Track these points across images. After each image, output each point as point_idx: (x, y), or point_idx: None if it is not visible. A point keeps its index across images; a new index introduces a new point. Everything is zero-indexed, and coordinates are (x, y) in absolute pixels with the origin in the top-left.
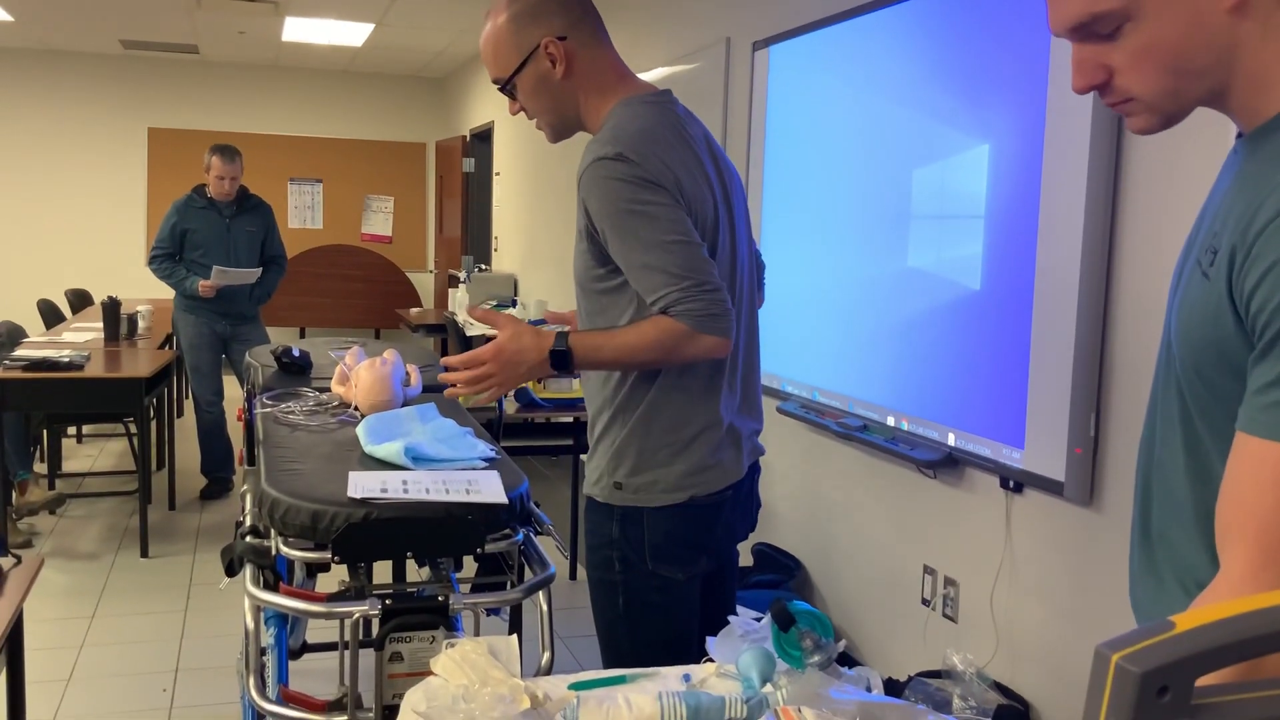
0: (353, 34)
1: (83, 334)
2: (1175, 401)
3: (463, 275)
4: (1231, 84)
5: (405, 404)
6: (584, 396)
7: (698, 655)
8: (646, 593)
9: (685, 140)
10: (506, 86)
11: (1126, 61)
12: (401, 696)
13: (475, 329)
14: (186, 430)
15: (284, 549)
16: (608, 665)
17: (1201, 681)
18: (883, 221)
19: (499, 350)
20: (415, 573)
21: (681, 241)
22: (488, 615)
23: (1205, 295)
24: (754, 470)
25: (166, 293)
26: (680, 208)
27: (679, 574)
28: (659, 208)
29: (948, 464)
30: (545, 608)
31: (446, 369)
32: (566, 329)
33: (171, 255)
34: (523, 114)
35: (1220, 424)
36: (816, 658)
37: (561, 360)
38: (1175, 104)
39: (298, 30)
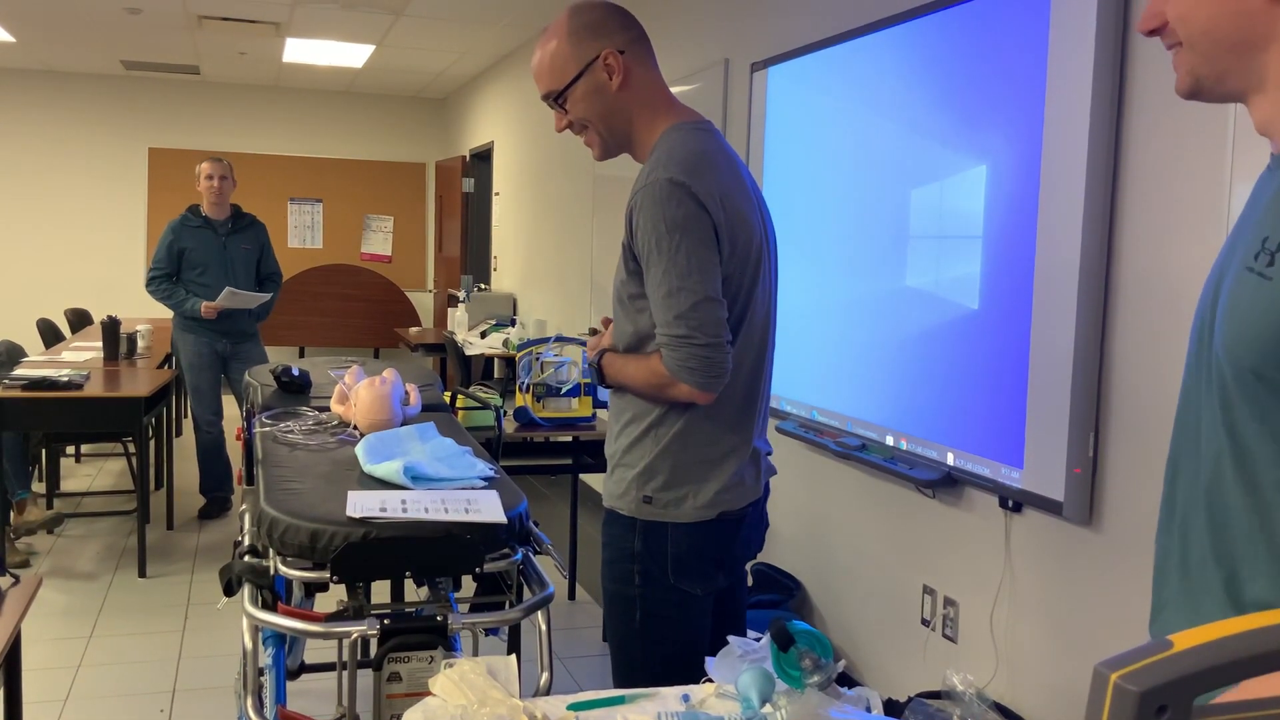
0: (353, 55)
1: (82, 353)
2: (1219, 415)
3: (462, 295)
4: (1267, 77)
5: (404, 423)
6: (609, 409)
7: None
8: (664, 607)
9: (735, 169)
10: (560, 96)
11: (1175, 11)
12: (400, 717)
13: (474, 348)
14: (185, 450)
15: (282, 568)
16: (619, 680)
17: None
18: (881, 241)
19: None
20: (414, 592)
21: (694, 289)
22: (486, 635)
23: (1269, 294)
24: (766, 490)
25: (166, 312)
26: (714, 247)
27: (698, 589)
28: (693, 245)
29: (947, 484)
30: (544, 628)
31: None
32: (607, 350)
33: (169, 276)
34: (552, 135)
35: None
36: (816, 678)
37: (596, 373)
38: (1206, 65)
39: (298, 51)
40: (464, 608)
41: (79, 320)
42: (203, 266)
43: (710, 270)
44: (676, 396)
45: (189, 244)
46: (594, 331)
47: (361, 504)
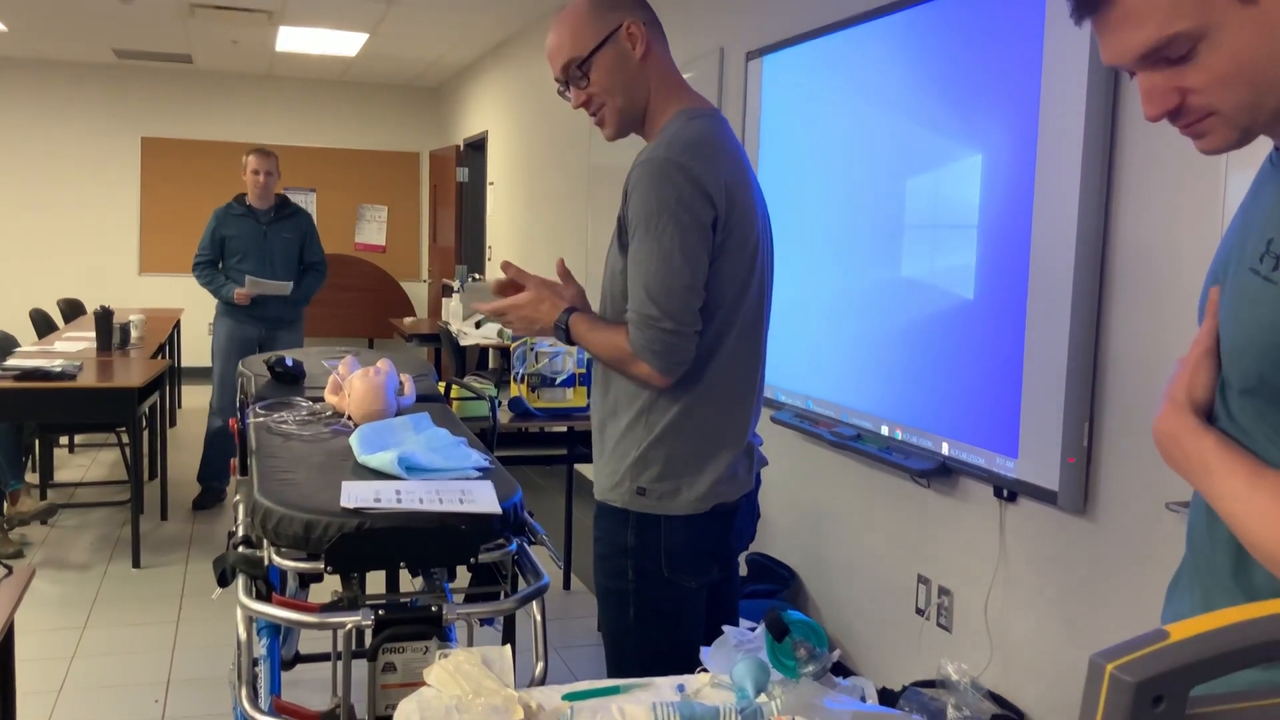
0: (346, 44)
1: (75, 343)
2: (1219, 408)
3: (456, 284)
4: None
5: (399, 414)
6: (592, 397)
7: None
8: (659, 602)
9: (740, 159)
10: (584, 64)
11: (1205, 80)
12: (394, 707)
13: (468, 339)
14: (179, 440)
15: (277, 559)
16: (613, 675)
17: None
18: (876, 231)
19: (518, 306)
20: (408, 583)
21: (672, 273)
22: (481, 625)
23: (1274, 299)
24: (758, 481)
25: (159, 302)
26: (705, 234)
27: (693, 582)
28: (682, 229)
29: (941, 473)
30: (539, 618)
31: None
32: (573, 308)
33: (213, 262)
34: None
35: None
36: (811, 667)
37: (561, 333)
38: (1253, 117)
39: (291, 40)
40: (459, 598)
41: (72, 310)
42: (241, 254)
43: (694, 257)
44: (635, 374)
45: (230, 231)
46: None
47: (356, 494)
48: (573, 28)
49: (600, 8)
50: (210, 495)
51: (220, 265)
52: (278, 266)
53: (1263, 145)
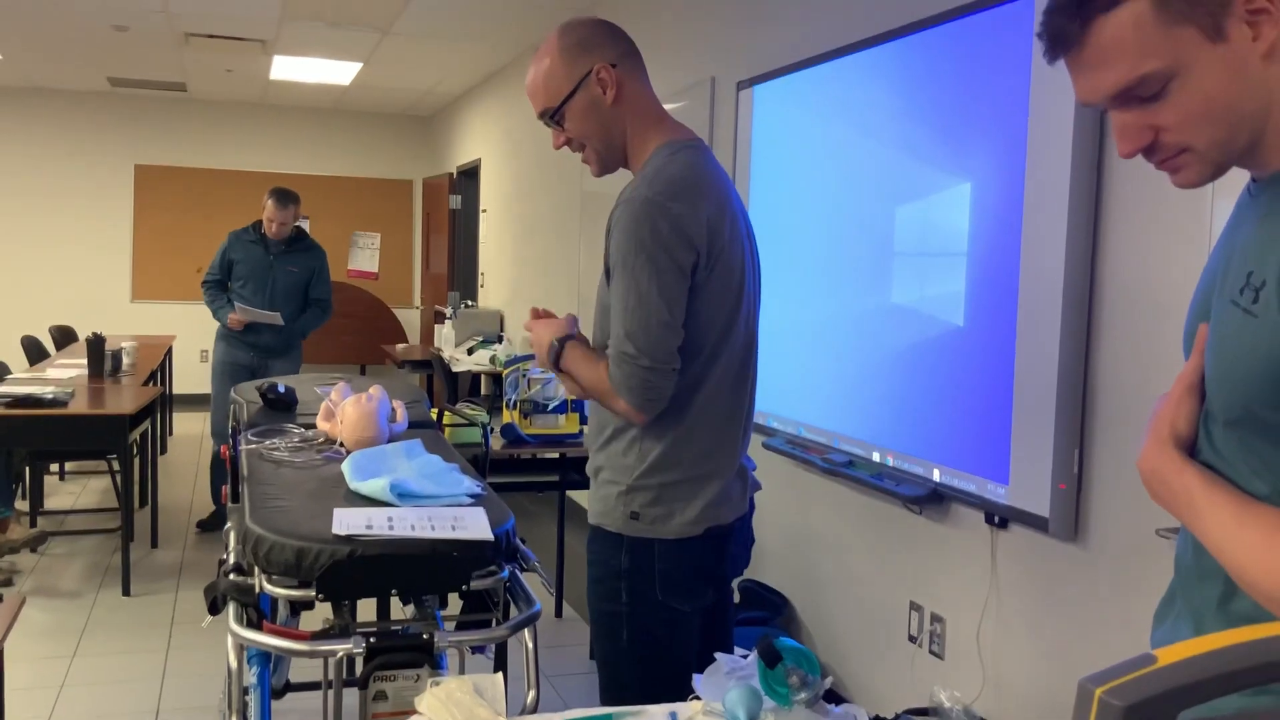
0: (340, 73)
1: (67, 370)
2: (1202, 438)
3: (449, 311)
4: (1267, 129)
5: (391, 440)
6: (589, 423)
7: None
8: (653, 625)
9: (724, 190)
10: (556, 114)
11: (1177, 118)
12: None
13: (461, 365)
14: (170, 467)
15: (268, 587)
16: (607, 699)
17: None
18: (866, 259)
19: (533, 326)
20: (400, 610)
21: (650, 311)
22: (473, 653)
23: (1255, 331)
24: (751, 505)
25: (152, 330)
26: (683, 272)
27: (686, 605)
28: (659, 268)
29: (933, 500)
30: (531, 645)
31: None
32: (572, 336)
33: (220, 283)
34: (554, 153)
35: (1275, 460)
36: (803, 695)
37: (554, 356)
38: (1225, 153)
39: (286, 69)
40: (450, 626)
41: (64, 337)
42: (244, 279)
43: (672, 295)
44: (614, 408)
45: (238, 256)
46: (543, 313)
47: (347, 521)
48: (544, 77)
49: (570, 54)
50: (219, 518)
51: (228, 287)
52: (278, 297)
53: (1247, 171)
